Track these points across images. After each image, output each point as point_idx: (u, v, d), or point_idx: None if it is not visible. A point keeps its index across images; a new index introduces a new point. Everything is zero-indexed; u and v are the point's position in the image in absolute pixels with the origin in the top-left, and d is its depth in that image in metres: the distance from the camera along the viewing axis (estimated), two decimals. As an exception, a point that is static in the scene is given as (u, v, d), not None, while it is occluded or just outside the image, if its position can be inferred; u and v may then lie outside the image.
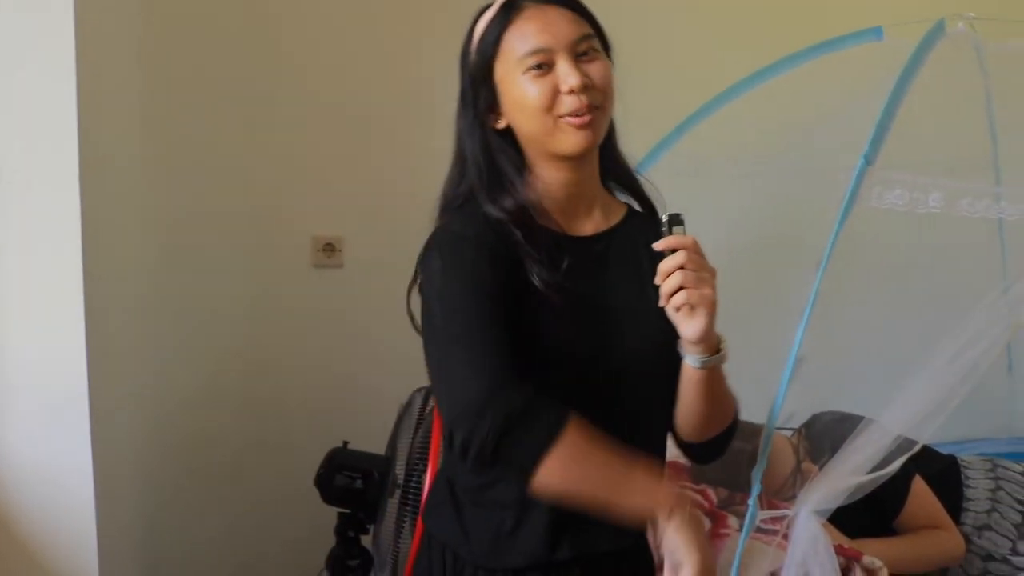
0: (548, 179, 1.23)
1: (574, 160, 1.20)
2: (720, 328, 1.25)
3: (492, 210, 1.20)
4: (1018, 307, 1.74)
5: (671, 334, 1.16)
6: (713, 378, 1.18)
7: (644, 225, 1.27)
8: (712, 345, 1.15)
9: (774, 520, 1.61)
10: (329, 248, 2.46)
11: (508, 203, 1.20)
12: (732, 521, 1.84)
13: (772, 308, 2.08)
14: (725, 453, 1.31)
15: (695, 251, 1.12)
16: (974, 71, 2.23)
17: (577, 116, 1.15)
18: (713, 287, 1.11)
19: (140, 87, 2.20)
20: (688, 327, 1.12)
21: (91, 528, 1.65)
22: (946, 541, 2.00)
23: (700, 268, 1.11)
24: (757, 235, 2.40)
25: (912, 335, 2.01)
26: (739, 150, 2.17)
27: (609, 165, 1.29)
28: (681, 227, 1.14)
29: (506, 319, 1.12)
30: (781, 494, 1.86)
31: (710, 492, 1.96)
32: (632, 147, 2.13)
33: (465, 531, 1.23)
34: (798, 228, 1.94)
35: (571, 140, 1.17)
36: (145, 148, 2.20)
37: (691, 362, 1.16)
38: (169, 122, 2.27)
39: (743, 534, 1.49)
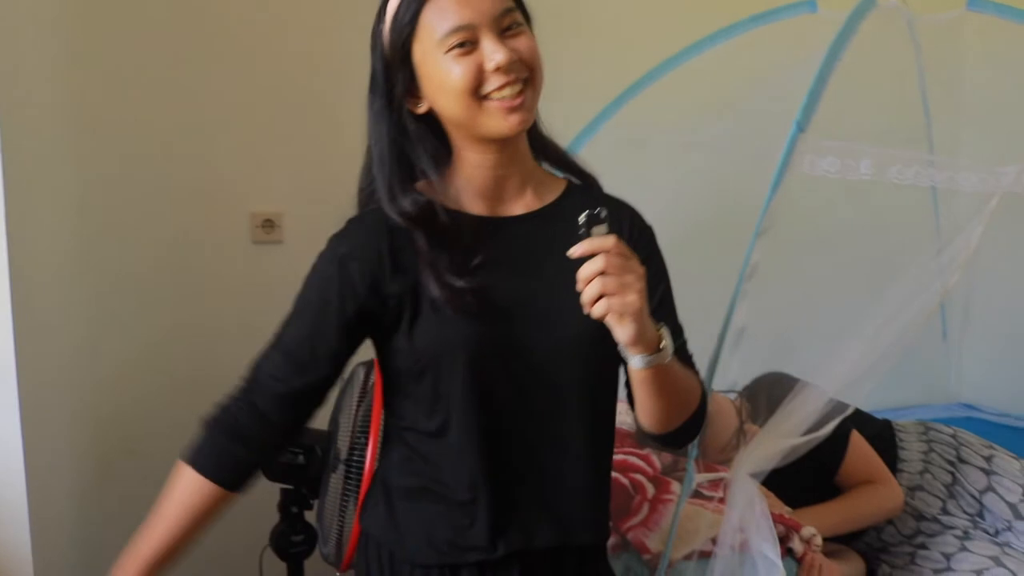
0: (475, 162, 1.18)
1: (503, 141, 1.15)
2: None
3: (392, 213, 1.16)
4: (948, 271, 1.79)
5: (574, 312, 1.10)
6: (662, 374, 1.10)
7: (585, 198, 1.21)
8: (651, 344, 1.07)
9: (714, 485, 1.64)
10: (268, 224, 2.43)
11: (408, 205, 1.15)
12: (676, 487, 1.86)
13: (718, 279, 2.14)
14: (695, 440, 1.29)
15: (617, 253, 1.02)
16: (906, 42, 2.28)
17: (506, 99, 1.10)
18: (639, 291, 1.02)
19: (66, 60, 2.14)
20: (618, 333, 1.04)
21: (22, 503, 1.64)
22: (884, 495, 2.03)
23: (622, 272, 1.02)
24: (698, 206, 2.42)
25: (851, 303, 2.06)
26: (678, 122, 2.18)
27: (536, 143, 1.24)
28: (602, 226, 1.04)
29: (326, 348, 1.17)
30: (724, 455, 1.89)
31: (654, 458, 1.98)
32: (571, 121, 2.16)
33: (400, 530, 1.22)
34: (738, 198, 1.97)
35: (500, 123, 1.11)
36: (73, 122, 2.15)
37: (632, 363, 1.09)
38: (99, 95, 2.22)
39: (681, 497, 1.51)
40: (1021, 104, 2.48)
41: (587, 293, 1.02)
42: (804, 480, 1.90)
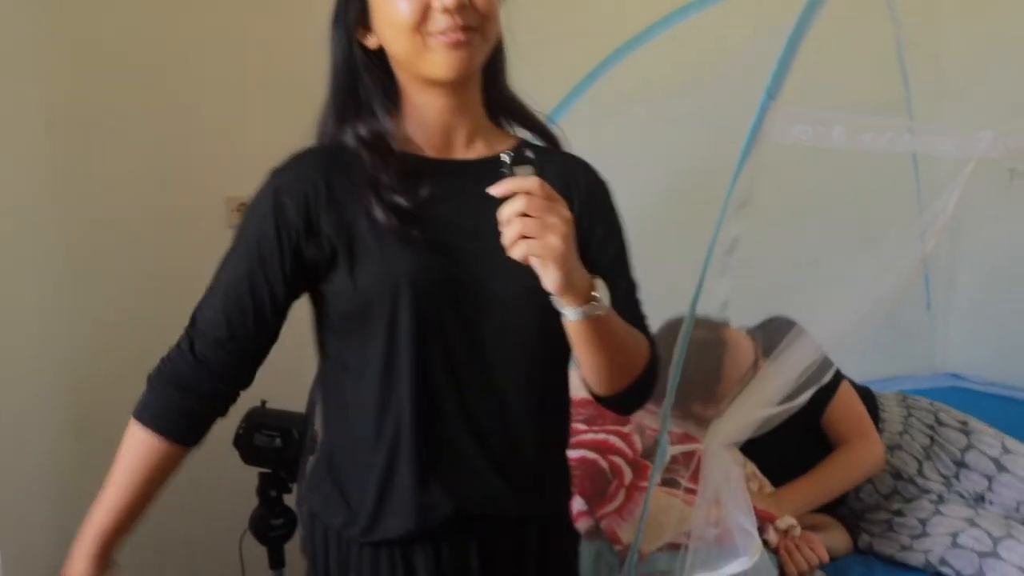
0: (421, 105, 1.15)
1: (448, 86, 1.13)
2: (644, 273, 1.23)
3: (346, 136, 1.15)
4: (925, 238, 1.78)
5: (514, 266, 1.06)
6: (599, 328, 1.07)
7: (545, 156, 1.16)
8: (581, 294, 1.04)
9: (687, 458, 1.62)
10: (243, 208, 2.39)
11: (363, 130, 1.14)
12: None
13: (695, 250, 2.12)
14: (644, 404, 1.24)
15: (541, 194, 0.99)
16: (882, 10, 2.26)
17: (448, 33, 1.07)
18: (563, 235, 0.98)
19: (37, 35, 2.11)
20: (543, 279, 1.01)
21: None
22: (862, 455, 2.03)
23: (544, 213, 0.98)
24: (674, 178, 2.40)
25: (831, 274, 2.05)
26: (653, 94, 2.16)
27: (498, 99, 1.22)
28: (527, 167, 1.00)
29: (264, 288, 1.15)
30: (741, 385, 1.86)
31: (635, 438, 1.94)
32: (544, 95, 2.14)
33: (344, 505, 1.18)
34: (714, 170, 1.95)
35: (442, 61, 1.08)
36: (45, 101, 2.12)
37: (564, 315, 1.06)
38: (71, 73, 2.18)
39: (653, 472, 1.50)
40: (1000, 70, 2.46)
41: (507, 233, 0.99)
42: (790, 422, 1.89)
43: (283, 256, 1.14)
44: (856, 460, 2.03)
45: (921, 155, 1.78)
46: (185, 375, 1.17)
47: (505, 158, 1.00)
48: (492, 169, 1.03)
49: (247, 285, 1.15)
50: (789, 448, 1.95)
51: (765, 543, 1.77)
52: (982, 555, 1.88)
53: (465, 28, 1.08)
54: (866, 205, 2.64)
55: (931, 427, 2.18)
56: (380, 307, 1.12)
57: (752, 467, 1.98)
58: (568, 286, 1.01)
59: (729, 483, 1.52)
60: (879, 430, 2.13)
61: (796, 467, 2.01)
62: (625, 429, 1.94)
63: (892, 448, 2.13)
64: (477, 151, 1.19)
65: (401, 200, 1.11)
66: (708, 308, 2.11)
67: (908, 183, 2.64)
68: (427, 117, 1.16)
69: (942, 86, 2.44)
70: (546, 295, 1.05)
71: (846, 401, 2.06)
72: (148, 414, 1.17)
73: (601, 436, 1.92)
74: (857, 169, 2.53)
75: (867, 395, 2.21)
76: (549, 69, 2.02)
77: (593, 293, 1.05)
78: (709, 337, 1.92)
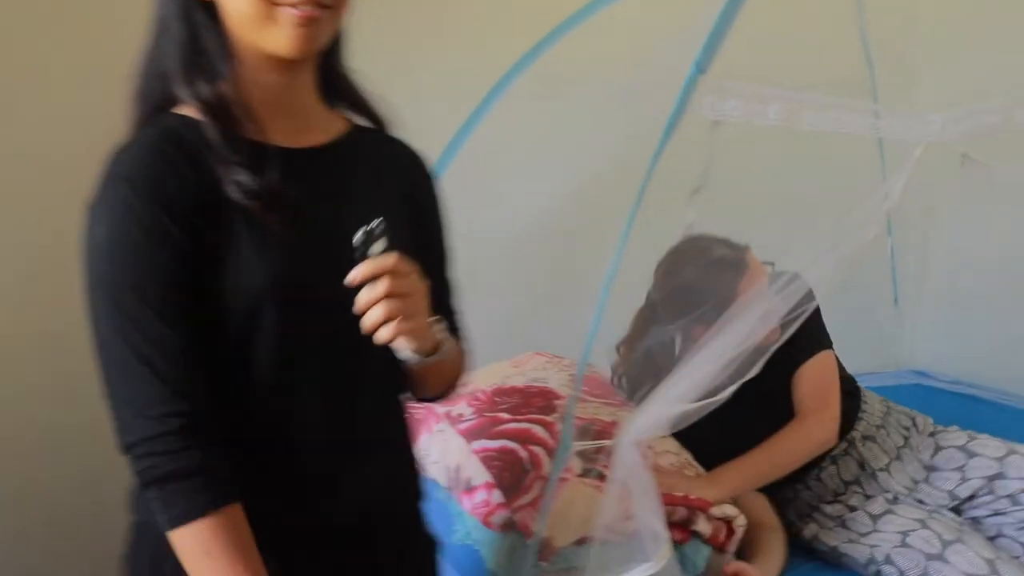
0: (255, 80, 1.04)
1: (286, 63, 1.03)
2: (581, 259, 1.17)
3: (186, 94, 1.02)
4: (867, 224, 1.69)
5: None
6: (435, 365, 1.08)
7: (376, 140, 1.13)
8: (428, 349, 1.05)
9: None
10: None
11: (205, 90, 1.01)
12: (576, 463, 1.73)
13: (637, 235, 2.03)
14: None
15: (402, 271, 0.98)
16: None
17: (300, 9, 0.97)
18: (424, 309, 1.00)
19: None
20: (400, 352, 1.02)
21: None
22: (817, 428, 1.90)
23: (406, 292, 0.98)
24: (615, 156, 2.30)
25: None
26: (594, 71, 2.06)
27: (334, 79, 1.13)
28: (380, 242, 0.97)
29: (188, 298, 0.98)
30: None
31: (559, 427, 1.86)
32: (483, 71, 2.04)
33: None
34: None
35: (287, 37, 0.98)
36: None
37: (402, 357, 1.04)
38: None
39: (554, 467, 1.41)
40: (974, 53, 2.36)
41: (370, 318, 0.97)
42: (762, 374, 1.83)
43: (172, 250, 0.99)
44: (805, 435, 1.90)
45: (867, 138, 1.69)
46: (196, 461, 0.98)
47: (360, 238, 0.97)
48: (333, 160, 1.02)
49: (173, 319, 0.98)
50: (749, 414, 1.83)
51: (697, 534, 1.70)
52: (929, 557, 1.79)
53: (319, 3, 0.99)
54: (829, 191, 2.54)
55: (907, 429, 2.10)
56: (249, 305, 1.02)
57: (687, 455, 1.89)
58: (420, 350, 1.03)
59: (638, 480, 1.42)
60: (859, 419, 2.05)
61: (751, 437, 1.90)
62: (550, 418, 1.85)
63: (866, 439, 2.04)
64: (313, 136, 1.10)
65: (253, 182, 1.00)
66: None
67: (874, 170, 2.54)
68: (260, 93, 1.05)
69: (905, 69, 2.33)
70: None
71: (822, 368, 1.96)
72: (202, 499, 0.97)
73: (524, 425, 1.83)
74: (820, 154, 2.44)
75: (853, 387, 2.13)
76: (487, 50, 1.95)
77: (438, 339, 1.06)
78: (730, 256, 1.89)
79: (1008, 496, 1.93)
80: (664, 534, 1.42)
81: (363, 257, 0.97)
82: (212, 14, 1.01)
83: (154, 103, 1.04)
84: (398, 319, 0.97)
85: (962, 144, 1.69)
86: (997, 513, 1.94)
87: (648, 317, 1.99)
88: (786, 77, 1.66)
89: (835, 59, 2.41)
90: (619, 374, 2.06)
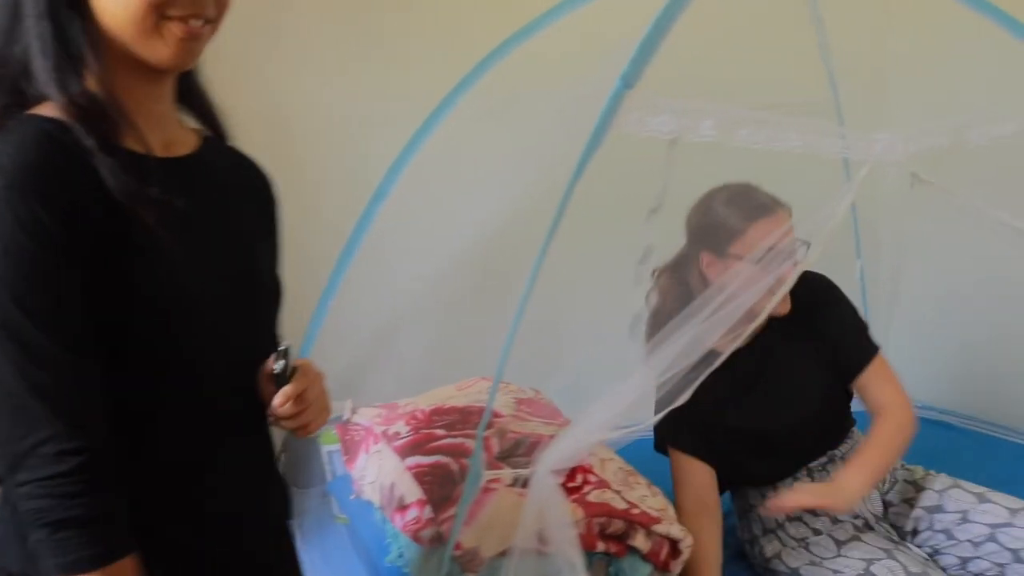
0: (124, 87, 0.99)
1: (160, 72, 1.00)
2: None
3: (54, 92, 0.94)
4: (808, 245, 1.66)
5: (266, 258, 1.09)
6: None
7: (223, 150, 1.16)
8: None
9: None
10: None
11: (75, 87, 0.95)
12: (507, 474, 1.70)
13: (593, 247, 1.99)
14: None
15: (316, 384, 1.13)
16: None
17: (190, 27, 0.96)
18: (327, 405, 1.16)
19: None
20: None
21: None
22: (908, 419, 1.90)
23: (320, 398, 1.14)
24: (555, 175, 2.26)
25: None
26: (545, 85, 2.01)
27: (192, 88, 1.12)
28: (283, 361, 1.08)
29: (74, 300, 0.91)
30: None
31: (493, 441, 1.82)
32: (430, 89, 2.00)
33: None
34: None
35: (171, 49, 0.96)
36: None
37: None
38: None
39: (466, 492, 1.36)
40: (943, 72, 2.31)
41: (293, 424, 1.11)
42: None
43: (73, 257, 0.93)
44: (905, 425, 1.89)
45: (807, 155, 1.62)
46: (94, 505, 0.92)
47: (278, 366, 1.07)
48: (197, 170, 1.06)
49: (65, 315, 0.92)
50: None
51: (634, 549, 1.67)
52: None
53: (207, 19, 0.98)
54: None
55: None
56: (150, 315, 0.98)
57: (631, 468, 1.85)
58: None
59: (555, 511, 1.36)
60: (848, 436, 2.02)
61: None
62: (485, 433, 1.81)
63: (845, 458, 1.98)
64: (176, 146, 1.08)
65: (136, 185, 0.95)
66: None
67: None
68: (129, 100, 1.00)
69: (873, 88, 2.29)
70: (266, 279, 1.15)
71: (884, 365, 1.95)
72: (96, 552, 0.91)
73: (459, 440, 1.82)
74: (786, 174, 2.38)
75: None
76: (438, 62, 1.90)
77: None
78: (767, 202, 1.88)
79: (943, 531, 1.88)
80: (579, 563, 1.37)
81: (283, 380, 1.08)
82: (80, 12, 0.96)
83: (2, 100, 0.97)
84: (316, 422, 1.13)
85: (910, 163, 1.63)
86: (937, 552, 1.88)
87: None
88: (754, 97, 1.61)
89: (802, 80, 2.36)
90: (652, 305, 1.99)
